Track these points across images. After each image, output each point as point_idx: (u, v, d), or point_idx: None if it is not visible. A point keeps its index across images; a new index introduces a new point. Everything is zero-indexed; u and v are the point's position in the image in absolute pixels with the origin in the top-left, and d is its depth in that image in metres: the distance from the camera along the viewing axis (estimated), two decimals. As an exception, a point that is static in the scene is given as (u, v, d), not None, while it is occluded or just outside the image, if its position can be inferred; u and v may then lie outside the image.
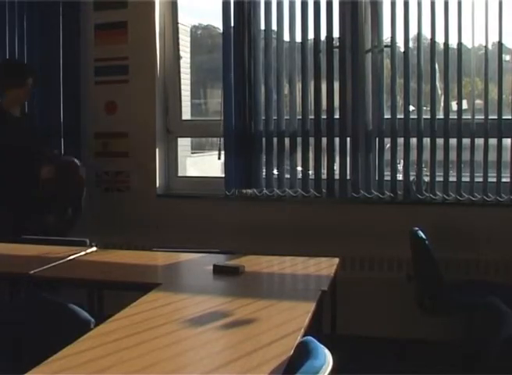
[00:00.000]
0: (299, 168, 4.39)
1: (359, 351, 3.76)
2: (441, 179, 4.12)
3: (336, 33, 4.24)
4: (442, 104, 4.16)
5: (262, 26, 4.32)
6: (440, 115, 4.13)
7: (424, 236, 3.57)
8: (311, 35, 4.26)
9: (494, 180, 4.05)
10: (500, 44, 3.98)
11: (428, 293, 3.56)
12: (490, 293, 2.86)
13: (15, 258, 3.30)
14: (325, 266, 3.06)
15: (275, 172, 4.41)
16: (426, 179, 4.16)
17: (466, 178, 4.08)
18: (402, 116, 4.16)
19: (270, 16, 4.29)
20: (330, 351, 1.74)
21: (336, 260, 3.12)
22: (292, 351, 1.92)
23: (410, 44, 4.16)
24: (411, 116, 4.15)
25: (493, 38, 3.99)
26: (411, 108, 4.18)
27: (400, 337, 3.96)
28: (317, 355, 1.71)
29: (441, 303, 3.52)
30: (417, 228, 3.60)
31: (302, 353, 1.80)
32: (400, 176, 4.22)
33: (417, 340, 3.91)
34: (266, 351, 1.97)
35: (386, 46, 4.18)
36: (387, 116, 4.20)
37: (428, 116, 4.11)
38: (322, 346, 1.78)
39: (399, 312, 4.01)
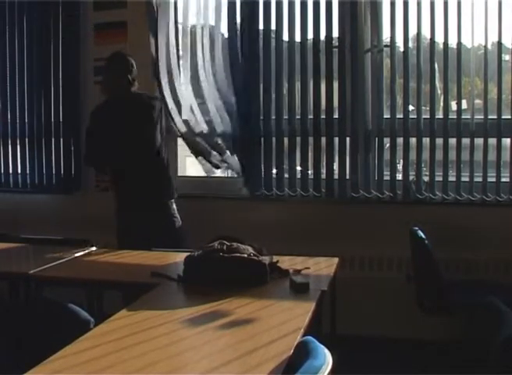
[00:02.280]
0: (298, 168, 4.39)
1: (359, 351, 3.75)
2: (440, 179, 4.12)
3: (335, 33, 4.23)
4: (441, 104, 4.15)
5: (261, 26, 4.32)
6: (440, 115, 4.13)
7: (423, 236, 3.57)
8: (310, 35, 4.26)
9: (493, 179, 4.05)
10: (500, 43, 3.98)
11: (428, 293, 3.56)
12: (490, 293, 2.86)
13: (15, 258, 3.30)
14: (325, 266, 3.06)
15: (274, 172, 4.41)
16: (426, 179, 4.16)
17: (465, 178, 4.08)
18: (401, 116, 4.16)
19: (269, 15, 4.28)
20: (330, 351, 1.74)
21: (336, 260, 3.12)
22: (291, 350, 1.92)
23: (410, 44, 4.15)
24: (411, 116, 4.15)
25: (493, 38, 3.99)
26: (411, 107, 4.18)
27: (400, 337, 3.95)
28: (316, 355, 1.71)
29: (441, 303, 3.52)
30: (416, 228, 3.60)
31: (302, 353, 1.80)
32: (399, 176, 4.22)
33: (417, 340, 3.91)
34: (266, 350, 1.97)
35: (386, 46, 4.18)
36: (386, 115, 4.20)
37: (428, 116, 4.11)
38: (322, 346, 1.78)
39: (399, 312, 4.01)
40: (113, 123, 3.86)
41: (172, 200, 4.02)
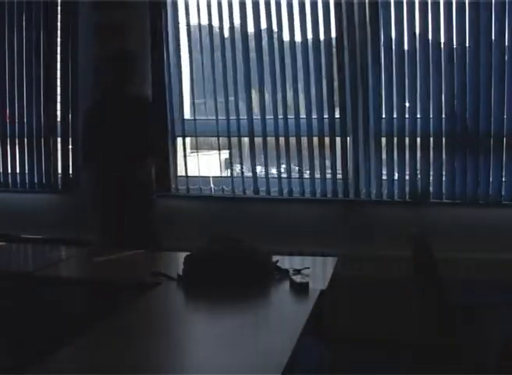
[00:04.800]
0: (297, 168, 4.38)
1: (359, 351, 3.75)
2: (440, 179, 4.12)
3: (334, 33, 4.23)
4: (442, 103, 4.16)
5: (262, 26, 4.31)
6: (440, 115, 4.13)
7: (424, 236, 3.57)
8: (309, 35, 4.25)
9: (493, 179, 4.05)
10: (500, 43, 3.98)
11: (429, 293, 3.56)
12: (490, 293, 2.86)
13: (15, 258, 3.30)
14: (324, 266, 3.07)
15: (274, 172, 4.42)
16: (426, 179, 4.16)
17: (465, 178, 4.09)
18: (401, 116, 4.16)
19: (270, 15, 4.28)
20: (329, 351, 1.74)
21: (335, 259, 3.12)
22: (291, 350, 1.92)
23: (409, 44, 4.14)
24: (410, 116, 4.15)
25: (493, 37, 3.98)
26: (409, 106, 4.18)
27: (400, 337, 3.95)
28: (316, 355, 1.71)
29: (441, 303, 3.52)
30: (417, 228, 3.60)
31: (301, 353, 1.80)
32: (399, 176, 4.22)
33: (418, 340, 3.90)
34: (265, 350, 1.97)
35: (385, 45, 4.17)
36: (386, 115, 4.19)
37: (428, 116, 4.11)
38: (322, 346, 1.78)
39: (399, 312, 4.00)
40: (108, 123, 3.96)
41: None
